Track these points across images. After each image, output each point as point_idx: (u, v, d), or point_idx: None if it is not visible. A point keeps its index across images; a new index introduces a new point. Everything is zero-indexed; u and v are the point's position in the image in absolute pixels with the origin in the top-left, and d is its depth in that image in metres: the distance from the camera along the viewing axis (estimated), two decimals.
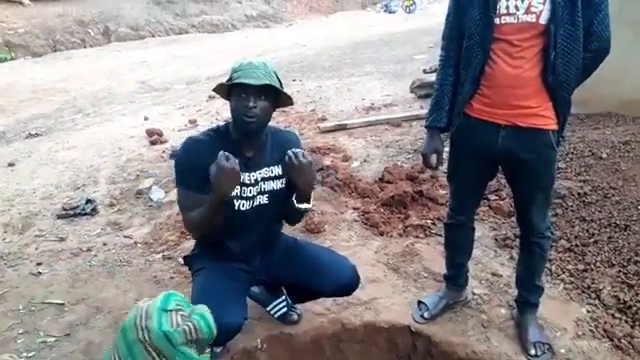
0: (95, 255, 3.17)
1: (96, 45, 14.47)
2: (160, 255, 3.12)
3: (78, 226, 3.59)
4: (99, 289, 2.79)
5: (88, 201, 3.89)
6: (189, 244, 2.89)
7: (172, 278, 2.88)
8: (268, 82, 1.95)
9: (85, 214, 3.74)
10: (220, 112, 6.40)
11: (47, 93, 8.44)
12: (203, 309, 1.77)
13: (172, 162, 4.61)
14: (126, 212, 3.79)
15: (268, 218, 2.23)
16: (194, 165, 2.00)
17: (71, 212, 3.75)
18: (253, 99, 1.95)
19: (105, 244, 3.30)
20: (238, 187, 2.06)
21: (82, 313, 2.58)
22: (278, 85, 2.02)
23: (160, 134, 5.57)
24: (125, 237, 3.39)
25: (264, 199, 2.16)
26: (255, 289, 2.59)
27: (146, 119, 6.40)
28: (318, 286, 2.23)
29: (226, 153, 1.89)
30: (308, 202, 2.13)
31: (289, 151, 2.01)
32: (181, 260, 2.91)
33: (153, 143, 5.39)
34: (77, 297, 2.71)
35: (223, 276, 2.14)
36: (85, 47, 14.18)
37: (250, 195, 2.12)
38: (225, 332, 2.05)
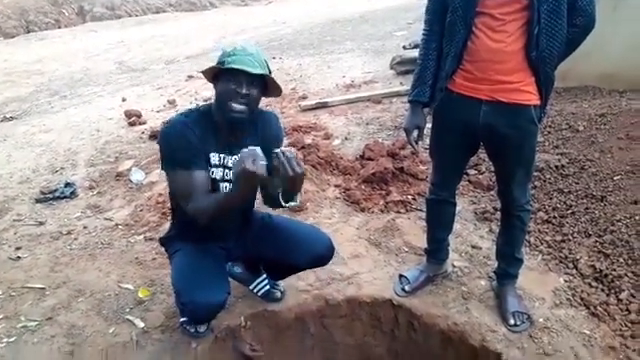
0: (75, 238, 3.13)
1: (71, 25, 14.11)
2: (141, 236, 3.10)
3: (57, 210, 3.55)
4: (80, 272, 2.77)
5: (67, 184, 3.84)
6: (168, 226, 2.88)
7: (154, 259, 2.87)
8: (263, 72, 1.92)
9: (64, 197, 3.69)
10: (199, 92, 6.31)
11: (21, 75, 8.24)
12: None
13: (152, 143, 4.58)
14: (106, 194, 3.75)
15: (248, 200, 2.22)
16: (181, 144, 1.96)
17: (50, 196, 3.70)
18: (245, 86, 1.91)
19: (85, 227, 3.27)
20: (222, 169, 2.06)
21: (63, 296, 2.57)
22: (271, 75, 1.99)
23: (139, 115, 5.49)
24: (105, 219, 3.36)
25: None
26: (237, 269, 2.60)
27: (124, 100, 6.30)
28: (294, 259, 2.24)
29: (255, 151, 1.76)
30: (295, 200, 1.96)
31: (277, 150, 1.83)
32: None
33: (132, 124, 5.31)
34: (58, 281, 2.69)
35: (201, 255, 2.14)
36: (59, 27, 13.81)
37: (233, 179, 2.10)
38: (209, 310, 2.07)
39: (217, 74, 1.97)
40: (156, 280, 2.67)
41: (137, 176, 3.95)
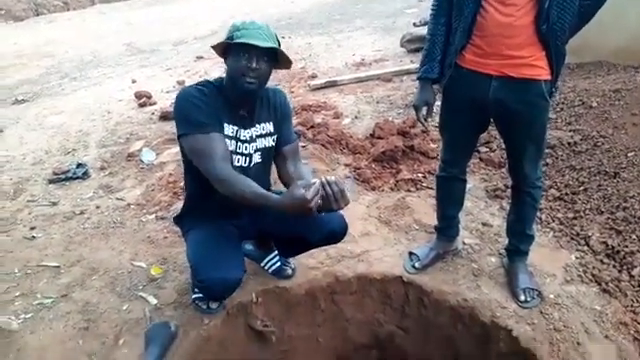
0: (88, 218, 3.17)
1: (79, 8, 14.06)
2: (153, 216, 3.12)
3: (70, 190, 3.58)
4: (94, 251, 2.81)
5: (79, 165, 3.87)
6: (182, 204, 2.90)
7: (166, 238, 2.90)
8: (273, 45, 1.92)
9: (77, 178, 3.72)
10: (208, 72, 6.29)
11: (32, 58, 8.26)
12: None
13: (162, 124, 4.59)
14: (118, 175, 3.78)
15: (261, 174, 2.23)
16: (197, 107, 1.96)
17: (62, 176, 3.73)
18: (256, 60, 1.91)
19: (98, 207, 3.30)
20: (235, 142, 2.06)
21: (78, 274, 2.61)
22: (281, 47, 1.98)
23: (149, 96, 5.49)
24: (118, 199, 3.39)
25: (258, 157, 2.16)
26: (248, 246, 2.62)
27: (134, 82, 6.30)
28: (307, 236, 2.24)
29: (317, 184, 1.77)
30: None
31: (327, 179, 1.80)
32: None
33: (142, 105, 5.32)
34: (72, 259, 2.73)
35: (216, 233, 2.15)
36: (68, 10, 13.79)
37: (247, 152, 2.12)
38: (226, 287, 2.09)
39: (227, 49, 1.97)
40: (168, 258, 2.70)
41: (148, 156, 3.97)
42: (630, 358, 2.11)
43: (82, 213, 3.23)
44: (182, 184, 3.23)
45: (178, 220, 2.37)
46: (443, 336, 2.57)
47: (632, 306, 2.34)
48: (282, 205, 1.82)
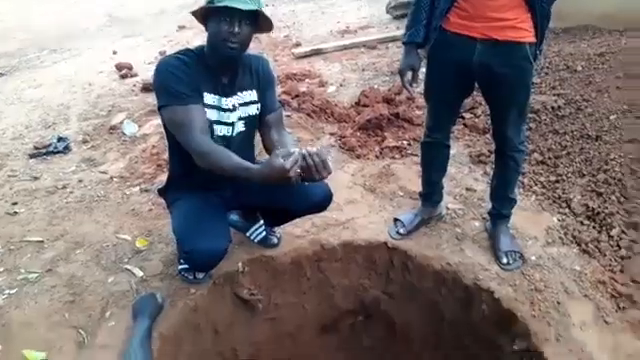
0: (71, 192, 3.14)
1: None
2: (137, 188, 3.10)
3: (52, 164, 3.54)
4: (77, 225, 2.79)
5: (60, 139, 3.82)
6: (166, 176, 2.88)
7: (150, 210, 2.89)
8: (256, 7, 1.86)
9: (58, 152, 3.67)
10: (191, 42, 6.18)
11: (8, 31, 8.05)
12: None
13: (144, 96, 4.53)
14: (100, 148, 3.73)
15: (245, 144, 2.21)
16: (176, 78, 1.91)
17: (43, 151, 3.68)
18: (238, 24, 1.86)
19: (81, 181, 3.27)
20: (216, 111, 2.03)
21: (62, 249, 2.59)
22: (263, 8, 1.92)
23: (130, 68, 5.40)
24: (100, 173, 3.36)
25: (241, 125, 2.13)
26: (233, 217, 2.62)
27: (115, 53, 6.18)
28: (292, 206, 2.24)
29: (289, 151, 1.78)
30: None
31: (308, 151, 1.77)
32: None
33: (123, 77, 5.23)
34: (56, 234, 2.71)
35: (200, 204, 2.14)
36: None
37: (229, 121, 2.08)
38: (212, 258, 2.08)
39: (207, 14, 1.92)
40: (153, 230, 2.69)
41: (130, 129, 3.92)
42: (608, 315, 2.16)
43: (64, 187, 3.20)
44: (165, 156, 3.20)
45: (162, 192, 2.35)
46: (427, 300, 2.61)
47: (610, 265, 2.39)
48: (262, 175, 1.81)
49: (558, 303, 2.23)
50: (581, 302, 2.23)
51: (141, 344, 1.98)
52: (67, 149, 3.71)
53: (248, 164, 1.89)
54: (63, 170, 3.44)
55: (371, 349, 2.92)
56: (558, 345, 2.07)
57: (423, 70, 2.32)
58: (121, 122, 4.01)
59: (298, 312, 2.69)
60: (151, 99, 4.32)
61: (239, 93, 2.09)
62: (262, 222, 2.56)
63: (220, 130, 2.07)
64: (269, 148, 2.16)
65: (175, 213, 2.20)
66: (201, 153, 1.90)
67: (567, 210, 2.74)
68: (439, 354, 2.69)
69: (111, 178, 3.27)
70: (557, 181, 2.93)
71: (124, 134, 3.86)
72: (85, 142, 3.83)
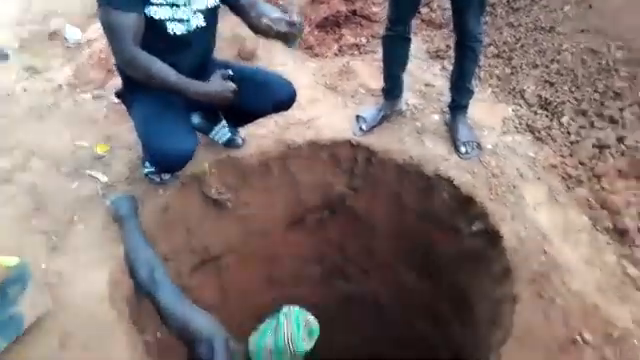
0: (18, 101, 2.96)
1: None
2: (89, 95, 2.97)
3: None
4: (31, 134, 2.66)
5: None
6: (119, 80, 2.76)
7: (107, 117, 2.79)
8: None
9: None
10: None
11: None
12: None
13: None
14: (41, 55, 3.49)
15: (205, 40, 2.13)
16: None
17: None
18: None
19: (26, 90, 3.08)
20: (169, 8, 1.92)
21: (18, 159, 2.48)
22: None
23: None
24: (46, 81, 3.16)
25: (200, 20, 2.02)
26: (195, 119, 2.57)
27: None
28: (257, 105, 2.22)
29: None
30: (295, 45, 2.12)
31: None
32: (114, 98, 2.80)
33: None
34: (9, 145, 2.58)
35: (162, 104, 2.07)
36: None
37: (185, 18, 1.97)
38: (180, 158, 2.05)
39: None
40: (112, 136, 2.62)
41: (72, 34, 3.66)
42: (558, 195, 2.33)
43: (9, 96, 3.01)
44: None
45: (120, 95, 2.26)
46: (390, 192, 2.72)
47: (561, 150, 2.54)
48: (203, 93, 1.87)
49: (513, 187, 2.38)
50: (534, 185, 2.39)
51: (142, 241, 2.01)
52: (5, 57, 3.45)
53: (186, 80, 1.88)
54: (3, 80, 3.22)
55: (337, 242, 3.06)
56: (513, 224, 2.23)
57: None
58: (62, 27, 3.73)
59: (266, 210, 2.75)
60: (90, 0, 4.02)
61: None
62: (225, 123, 2.53)
63: (175, 28, 1.97)
64: (255, 27, 2.10)
65: (137, 115, 2.13)
66: (135, 65, 1.85)
67: (521, 101, 2.84)
68: (402, 243, 2.85)
69: (59, 86, 3.09)
70: (512, 73, 3.01)
71: (67, 40, 3.61)
72: (23, 48, 3.56)
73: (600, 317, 1.89)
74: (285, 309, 1.60)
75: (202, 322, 1.74)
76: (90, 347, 1.77)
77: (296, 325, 1.55)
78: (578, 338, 1.83)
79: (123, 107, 2.67)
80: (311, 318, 1.60)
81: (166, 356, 2.37)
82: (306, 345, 1.55)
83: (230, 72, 1.96)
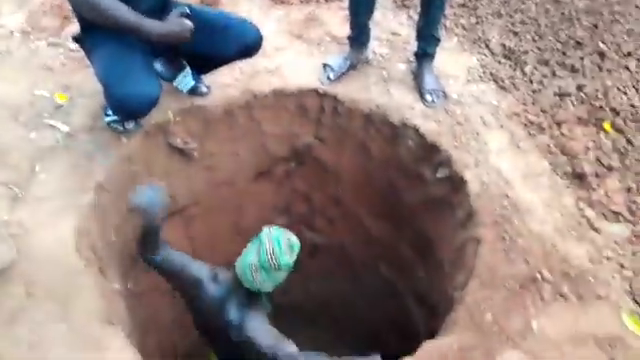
0: None
1: None
2: (43, 42, 2.83)
3: None
4: None
5: None
6: (75, 27, 2.64)
7: (64, 65, 2.67)
8: None
9: None
10: None
11: None
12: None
13: None
14: None
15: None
16: None
17: None
18: None
19: None
20: None
21: None
22: None
23: None
24: None
25: None
26: (158, 66, 2.49)
27: None
28: (222, 50, 2.17)
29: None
30: None
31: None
32: (70, 45, 2.70)
33: None
34: None
35: (124, 47, 2.00)
36: None
37: None
38: (144, 104, 2.00)
39: None
40: (71, 85, 2.53)
41: None
42: (520, 141, 2.39)
43: None
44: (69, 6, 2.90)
45: (79, 39, 2.17)
46: (357, 141, 2.74)
47: (523, 99, 2.59)
48: (159, 32, 1.85)
49: (477, 134, 2.43)
50: (498, 132, 2.45)
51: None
52: None
53: (140, 17, 1.84)
54: None
55: (304, 192, 3.08)
56: (477, 169, 2.29)
57: None
58: None
59: (233, 160, 2.74)
60: None
61: None
62: (189, 70, 2.46)
63: None
64: None
65: (97, 59, 2.06)
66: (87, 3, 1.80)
67: (486, 50, 2.86)
68: (368, 192, 2.89)
69: (10, 32, 2.93)
70: (477, 22, 3.01)
71: None
72: None
73: (559, 256, 1.99)
74: (266, 229, 1.71)
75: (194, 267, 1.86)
76: (58, 295, 1.76)
77: (277, 242, 1.66)
78: (538, 276, 1.93)
79: (81, 55, 2.59)
80: (291, 235, 1.73)
81: (137, 305, 2.39)
82: (288, 259, 1.67)
83: (187, 10, 1.92)
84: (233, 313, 1.75)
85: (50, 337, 1.66)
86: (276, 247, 1.64)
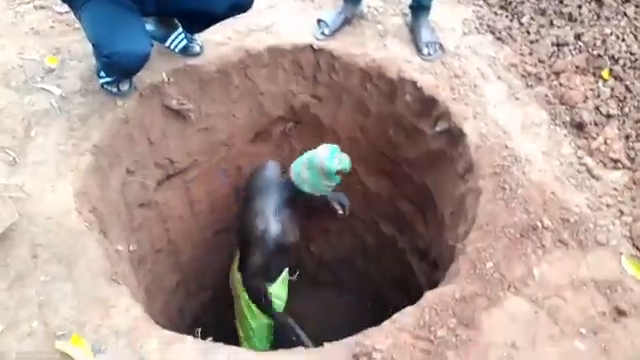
0: None
1: None
2: (30, 5, 2.75)
3: None
4: None
5: None
6: None
7: (52, 28, 2.61)
8: None
9: None
10: None
11: None
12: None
13: None
14: None
15: None
16: None
17: None
18: None
19: None
20: None
21: None
22: None
23: None
24: None
25: None
26: (149, 26, 2.44)
27: None
28: (213, 7, 2.12)
29: None
30: None
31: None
32: (58, 8, 2.64)
33: None
34: None
35: (113, 6, 1.96)
36: None
37: None
38: (135, 60, 1.98)
39: None
40: (61, 48, 2.47)
41: None
42: (518, 92, 2.38)
43: None
44: None
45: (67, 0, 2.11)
46: (354, 98, 2.71)
47: (521, 49, 2.56)
48: None
49: (475, 86, 2.41)
50: (495, 83, 2.43)
51: None
52: None
53: None
54: None
55: (302, 152, 3.05)
56: (475, 121, 2.28)
57: None
58: None
59: (230, 121, 2.71)
60: None
61: None
62: (181, 29, 2.42)
63: None
64: None
65: (87, 18, 2.01)
66: None
67: (482, 1, 2.82)
68: (367, 148, 2.89)
69: None
70: None
71: None
72: None
73: (558, 204, 2.01)
74: (324, 144, 2.17)
75: None
76: (62, 257, 1.77)
77: (330, 150, 2.14)
78: (538, 224, 1.94)
79: (69, 17, 2.55)
80: (346, 156, 2.17)
81: (141, 268, 2.41)
82: (335, 165, 2.11)
83: None
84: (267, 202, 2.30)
85: (57, 297, 1.67)
86: (328, 152, 2.10)
